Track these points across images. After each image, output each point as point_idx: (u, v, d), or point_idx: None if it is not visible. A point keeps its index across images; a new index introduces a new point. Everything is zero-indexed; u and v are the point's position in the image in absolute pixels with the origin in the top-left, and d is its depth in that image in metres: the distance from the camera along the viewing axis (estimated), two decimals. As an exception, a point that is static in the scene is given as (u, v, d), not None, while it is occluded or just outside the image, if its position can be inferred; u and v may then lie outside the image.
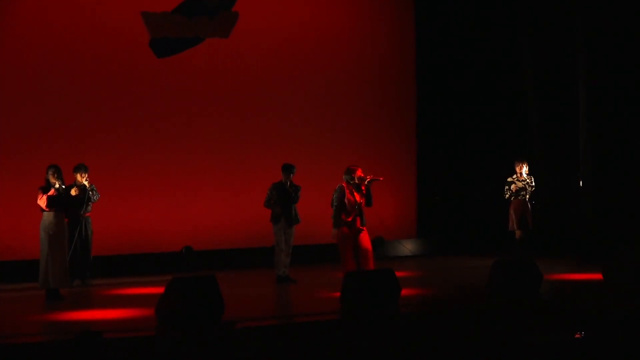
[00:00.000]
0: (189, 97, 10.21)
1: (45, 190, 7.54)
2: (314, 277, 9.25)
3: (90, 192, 8.60)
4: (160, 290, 6.28)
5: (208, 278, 6.26)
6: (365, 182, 7.51)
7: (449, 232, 11.46)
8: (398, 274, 7.02)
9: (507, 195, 9.70)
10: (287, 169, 8.72)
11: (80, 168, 8.65)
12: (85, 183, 8.56)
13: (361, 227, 7.53)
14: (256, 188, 9.70)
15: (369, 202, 7.60)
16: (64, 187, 7.62)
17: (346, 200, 7.47)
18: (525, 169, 9.53)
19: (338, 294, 6.95)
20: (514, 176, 9.64)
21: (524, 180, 9.55)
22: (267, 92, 10.57)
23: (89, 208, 8.72)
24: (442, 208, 11.56)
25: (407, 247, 11.36)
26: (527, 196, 9.58)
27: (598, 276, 7.99)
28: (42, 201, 7.49)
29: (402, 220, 11.39)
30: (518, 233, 9.48)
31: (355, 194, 7.51)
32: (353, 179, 7.55)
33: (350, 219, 7.48)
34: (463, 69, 11.31)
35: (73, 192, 8.19)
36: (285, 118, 10.62)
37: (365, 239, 7.52)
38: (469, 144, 11.43)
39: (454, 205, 11.57)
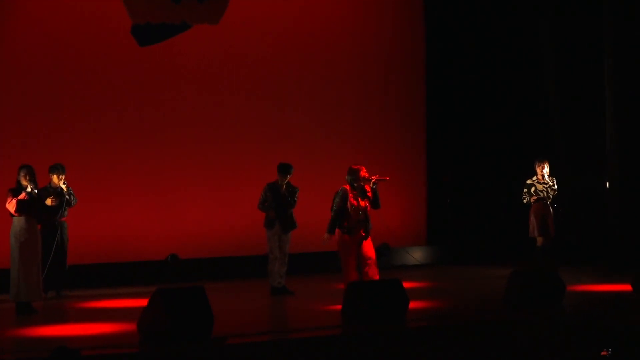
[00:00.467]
0: (176, 92, 10.23)
1: (15, 193, 7.49)
2: (313, 288, 9.29)
3: (68, 197, 8.56)
4: (143, 302, 6.29)
5: (196, 289, 6.27)
6: (371, 183, 7.49)
7: (462, 238, 11.53)
8: (405, 284, 7.03)
9: (526, 200, 9.68)
10: (284, 169, 8.68)
11: (56, 169, 8.58)
12: (63, 186, 8.52)
13: (365, 234, 7.53)
14: (250, 190, 9.71)
15: (376, 204, 7.58)
16: (36, 191, 7.58)
17: (349, 206, 7.46)
18: (546, 170, 9.51)
19: (339, 307, 6.96)
20: (534, 178, 9.63)
21: (545, 183, 9.52)
22: (264, 88, 10.57)
23: (65, 213, 8.70)
24: (455, 212, 11.59)
25: (416, 255, 11.41)
26: (549, 199, 9.57)
27: (627, 287, 8.03)
28: (10, 205, 7.44)
29: (410, 225, 11.44)
30: (539, 240, 9.49)
31: (359, 198, 7.49)
32: (357, 180, 7.52)
33: (353, 225, 7.46)
34: (476, 63, 11.41)
35: (49, 202, 8.19)
36: (284, 116, 10.68)
37: (369, 247, 7.52)
38: (484, 144, 11.51)
39: (467, 209, 11.62)
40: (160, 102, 10.12)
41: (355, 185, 7.52)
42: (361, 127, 11.08)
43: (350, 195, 7.48)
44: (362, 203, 7.49)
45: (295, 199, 8.67)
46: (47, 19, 9.54)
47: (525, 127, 11.40)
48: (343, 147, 10.70)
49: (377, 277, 7.46)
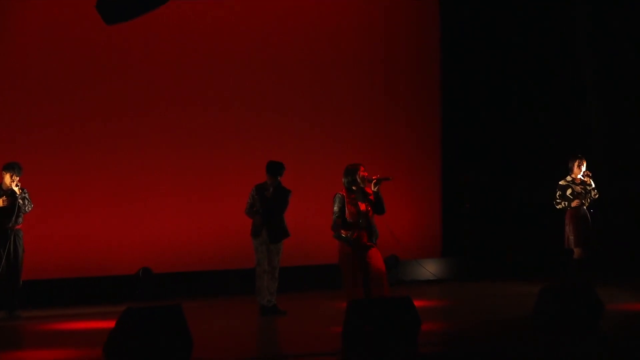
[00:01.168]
0: (151, 85, 10.34)
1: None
2: (308, 307, 9.38)
3: (21, 201, 8.53)
4: (110, 324, 6.28)
5: (172, 308, 6.22)
6: (372, 185, 7.48)
7: (483, 249, 11.69)
8: (417, 303, 7.00)
9: (561, 205, 9.59)
10: (273, 168, 8.67)
11: (11, 167, 8.60)
12: (16, 188, 8.53)
13: (370, 243, 7.53)
14: (234, 195, 9.78)
15: (380, 209, 7.56)
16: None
17: (347, 212, 7.49)
18: (583, 168, 9.41)
19: (339, 329, 6.91)
20: (569, 178, 9.55)
21: (582, 184, 9.42)
22: (262, 87, 10.89)
23: (20, 220, 8.71)
24: (474, 219, 11.78)
25: (429, 268, 11.53)
26: (587, 204, 9.47)
27: (674, 306, 8.19)
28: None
29: (423, 234, 11.59)
30: (577, 252, 9.42)
31: (359, 202, 7.49)
32: (355, 182, 7.54)
33: (355, 235, 7.46)
34: (496, 57, 11.71)
35: (0, 202, 8.10)
36: (277, 118, 10.91)
37: (375, 258, 7.52)
38: (509, 142, 11.74)
39: (488, 215, 11.78)
40: (132, 101, 10.22)
41: (353, 188, 7.54)
42: (367, 127, 11.37)
43: (347, 199, 7.50)
44: (362, 207, 7.50)
45: (287, 202, 8.66)
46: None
47: (554, 126, 11.62)
48: (348, 150, 10.85)
49: (387, 293, 7.49)
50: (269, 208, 8.62)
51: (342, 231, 7.47)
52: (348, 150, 10.61)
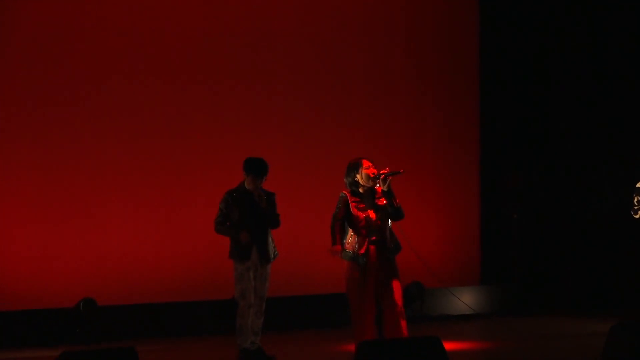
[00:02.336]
0: (102, 63, 10.44)
1: None
2: (304, 350, 9.38)
3: None
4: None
5: (122, 352, 6.11)
6: (380, 182, 7.55)
7: (535, 275, 11.74)
8: (447, 345, 6.83)
9: (638, 215, 9.49)
10: (256, 167, 8.60)
11: None
12: None
13: (385, 262, 7.55)
14: (204, 206, 9.97)
15: (395, 213, 7.59)
16: None
17: (354, 220, 7.55)
18: None
19: (346, 381, 6.91)
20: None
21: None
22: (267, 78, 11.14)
23: None
24: (523, 235, 11.82)
25: (465, 299, 11.50)
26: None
27: None
28: None
29: (456, 254, 11.71)
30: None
31: (367, 208, 7.54)
32: (357, 183, 7.62)
33: (362, 251, 7.48)
34: (546, 45, 12.19)
35: None
36: (278, 108, 11.18)
37: (392, 286, 7.57)
38: (566, 141, 11.96)
39: (542, 230, 11.88)
40: (76, 87, 10.36)
41: (359, 189, 7.60)
42: (380, 126, 11.63)
43: (353, 204, 7.56)
44: (372, 214, 7.55)
45: (277, 216, 8.65)
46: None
47: (623, 118, 11.88)
48: (360, 148, 10.75)
49: (405, 334, 7.49)
50: (258, 220, 8.57)
51: (346, 244, 7.50)
52: (359, 148, 10.45)
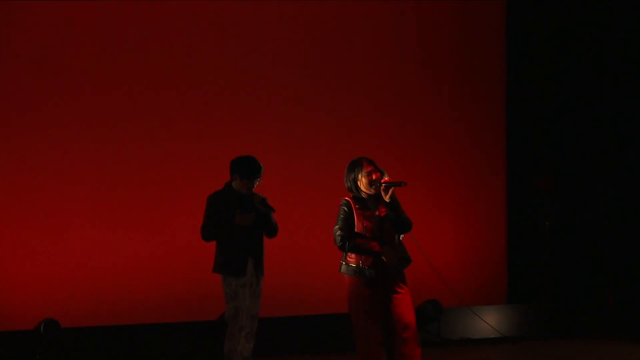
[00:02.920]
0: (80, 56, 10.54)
1: None
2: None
3: None
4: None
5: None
6: (381, 190, 7.52)
7: (571, 292, 11.76)
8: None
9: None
10: (250, 168, 8.53)
11: None
12: None
13: (393, 277, 7.54)
14: (189, 214, 9.99)
15: (400, 225, 7.58)
16: None
17: (362, 227, 7.55)
18: None
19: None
20: None
21: None
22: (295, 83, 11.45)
23: None
24: (557, 248, 11.86)
25: (488, 320, 11.43)
26: None
27: None
28: None
29: (478, 269, 11.77)
30: None
31: (372, 215, 7.57)
32: (358, 187, 7.60)
33: (369, 262, 7.46)
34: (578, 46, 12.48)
35: None
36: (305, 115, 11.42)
37: (404, 304, 7.57)
38: (605, 139, 12.09)
39: (578, 242, 11.94)
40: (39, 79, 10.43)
41: (361, 194, 7.62)
42: (396, 126, 11.81)
43: (357, 210, 7.59)
44: (375, 222, 7.57)
45: (273, 220, 8.60)
46: None
47: None
48: (368, 148, 10.91)
49: (418, 358, 7.47)
50: (253, 227, 8.47)
51: (347, 257, 7.50)
52: (369, 154, 10.47)
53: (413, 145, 11.74)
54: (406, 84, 11.91)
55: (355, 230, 7.51)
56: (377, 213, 7.54)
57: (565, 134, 12.30)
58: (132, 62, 10.76)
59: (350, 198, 7.60)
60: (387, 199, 7.46)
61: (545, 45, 12.38)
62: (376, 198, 7.56)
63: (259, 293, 8.53)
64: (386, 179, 7.54)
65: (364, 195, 7.55)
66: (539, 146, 12.25)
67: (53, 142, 10.39)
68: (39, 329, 9.81)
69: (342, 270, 7.52)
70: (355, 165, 7.63)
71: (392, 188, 7.47)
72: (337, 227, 7.53)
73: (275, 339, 10.08)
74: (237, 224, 8.32)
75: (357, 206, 7.55)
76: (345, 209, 7.55)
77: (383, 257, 7.39)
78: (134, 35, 10.83)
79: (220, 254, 8.47)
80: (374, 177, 7.52)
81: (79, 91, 10.55)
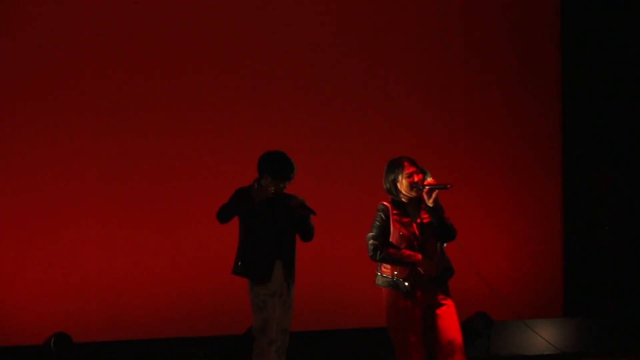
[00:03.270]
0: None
1: None
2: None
3: None
4: None
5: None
6: (424, 193, 7.42)
7: (633, 305, 11.69)
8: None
9: None
10: (281, 166, 8.35)
11: None
12: None
13: (435, 289, 7.45)
14: (210, 219, 9.64)
15: (444, 233, 7.49)
16: None
17: (397, 235, 7.46)
18: None
19: None
20: None
21: None
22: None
23: None
24: (619, 254, 11.78)
25: (544, 334, 11.31)
26: None
27: None
28: None
29: (532, 279, 11.70)
30: None
31: (412, 223, 7.48)
32: (398, 190, 7.50)
33: (405, 274, 7.37)
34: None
35: None
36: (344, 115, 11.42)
37: (449, 317, 7.51)
38: None
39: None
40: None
41: (402, 198, 7.52)
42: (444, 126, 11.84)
43: (394, 217, 7.48)
44: (417, 230, 7.51)
45: (310, 222, 8.44)
46: None
47: None
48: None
49: None
50: (285, 229, 8.31)
51: (382, 268, 7.45)
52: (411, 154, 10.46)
53: (459, 144, 11.73)
54: (453, 78, 11.91)
55: (390, 239, 7.44)
56: (417, 221, 7.46)
57: (625, 131, 12.21)
58: (144, 54, 10.77)
59: (388, 202, 7.54)
60: (430, 203, 7.39)
61: (603, 37, 12.33)
62: (418, 202, 7.49)
63: (290, 304, 8.34)
64: (429, 180, 7.47)
65: (403, 198, 7.47)
66: (597, 145, 12.18)
67: (62, 135, 10.36)
68: (49, 343, 9.78)
69: (377, 282, 7.48)
70: (395, 166, 7.53)
71: (436, 191, 7.37)
72: (370, 235, 7.48)
73: (308, 355, 10.10)
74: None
75: (395, 212, 7.48)
76: (382, 215, 7.49)
77: (419, 268, 7.34)
78: (149, 26, 10.84)
79: (241, 254, 8.32)
80: (415, 179, 7.42)
81: (87, 83, 10.54)
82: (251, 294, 8.29)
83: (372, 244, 7.40)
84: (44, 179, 10.29)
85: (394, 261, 7.35)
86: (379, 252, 7.37)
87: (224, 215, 8.30)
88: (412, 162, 7.49)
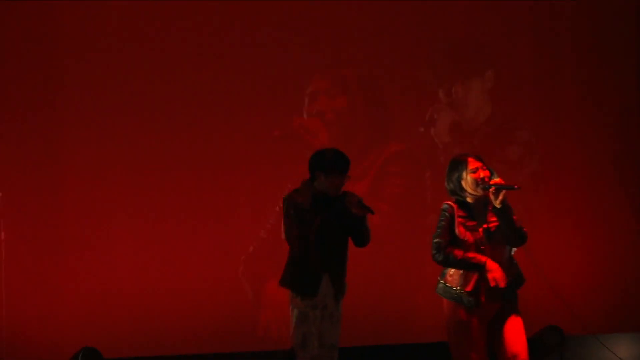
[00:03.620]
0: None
1: None
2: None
3: None
4: None
5: None
6: (490, 193, 7.38)
7: None
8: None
9: None
10: (334, 162, 8.30)
11: None
12: None
13: (502, 302, 7.43)
14: (251, 223, 10.29)
15: (512, 237, 7.43)
16: None
17: (463, 240, 7.42)
18: None
19: None
20: None
21: None
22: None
23: None
24: None
25: (621, 353, 11.07)
26: None
27: None
28: None
29: (608, 290, 11.45)
30: None
31: (478, 227, 7.44)
32: (462, 190, 7.46)
33: (470, 287, 7.34)
34: None
35: None
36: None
37: (513, 331, 7.51)
38: None
39: None
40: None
41: (467, 199, 7.50)
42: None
43: (459, 219, 7.43)
44: (482, 235, 7.46)
45: (365, 223, 8.33)
46: None
47: None
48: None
49: None
50: (337, 235, 8.22)
51: (447, 276, 7.44)
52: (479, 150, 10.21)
53: (527, 139, 11.56)
54: (524, 75, 11.73)
55: (456, 238, 7.42)
56: (484, 225, 7.43)
57: None
58: (177, 52, 10.89)
59: (453, 202, 7.51)
60: (497, 204, 7.35)
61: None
62: (484, 204, 7.45)
63: (338, 317, 8.26)
64: (496, 180, 7.41)
65: (469, 198, 7.44)
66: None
67: (88, 138, 10.49)
68: (77, 358, 9.89)
69: (438, 291, 7.44)
70: (458, 163, 7.51)
71: (503, 192, 7.33)
72: (434, 234, 7.43)
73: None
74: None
75: (460, 214, 7.44)
76: (447, 214, 7.44)
77: (488, 275, 7.27)
78: (183, 27, 10.90)
79: (288, 264, 8.27)
80: (481, 174, 7.41)
81: (124, 81, 10.69)
82: (291, 305, 8.22)
83: (437, 242, 7.33)
84: (74, 192, 10.36)
85: (458, 263, 7.27)
86: (442, 252, 7.31)
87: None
88: (478, 158, 7.48)
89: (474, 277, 7.31)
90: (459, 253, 7.32)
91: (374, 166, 11.06)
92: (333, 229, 8.21)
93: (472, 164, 7.46)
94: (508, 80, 11.76)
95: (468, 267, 7.30)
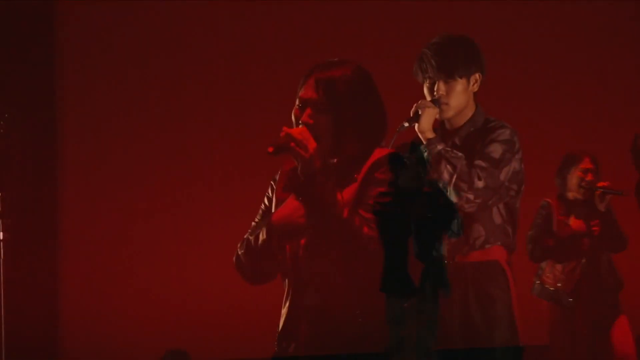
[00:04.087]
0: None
1: None
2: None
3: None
4: None
5: None
6: (597, 195, 7.32)
7: None
8: None
9: None
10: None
11: None
12: None
13: (603, 305, 7.49)
14: None
15: (614, 242, 7.35)
16: None
17: (555, 237, 7.38)
18: None
19: None
20: None
21: None
22: None
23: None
24: None
25: None
26: None
27: None
28: None
29: None
30: None
31: (579, 223, 7.34)
32: (564, 187, 7.34)
33: (570, 287, 7.39)
34: None
35: None
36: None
37: (619, 333, 7.53)
38: None
39: None
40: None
41: (567, 194, 7.37)
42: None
43: (559, 216, 7.37)
44: (579, 226, 7.43)
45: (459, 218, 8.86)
46: None
47: None
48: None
49: None
50: (435, 229, 8.62)
51: (544, 274, 7.46)
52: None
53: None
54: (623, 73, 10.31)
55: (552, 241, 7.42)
56: (594, 225, 7.33)
57: None
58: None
59: (552, 202, 7.40)
60: (602, 208, 7.20)
61: None
62: (587, 206, 7.34)
63: (436, 314, 9.09)
64: (603, 183, 7.23)
65: (570, 196, 7.33)
66: None
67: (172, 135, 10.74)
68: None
69: (533, 291, 7.38)
70: (573, 157, 7.38)
71: (607, 198, 7.17)
72: (529, 233, 7.39)
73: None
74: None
75: (560, 212, 7.40)
76: (544, 212, 7.38)
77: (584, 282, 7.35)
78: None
79: (384, 265, 9.40)
80: (589, 177, 7.23)
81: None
82: (386, 305, 9.43)
83: (531, 235, 7.35)
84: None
85: (555, 253, 7.30)
86: (537, 251, 7.32)
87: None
88: (594, 161, 7.29)
89: (574, 278, 7.24)
90: (551, 244, 7.24)
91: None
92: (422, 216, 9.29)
93: (586, 163, 7.28)
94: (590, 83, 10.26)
95: (563, 258, 7.17)
